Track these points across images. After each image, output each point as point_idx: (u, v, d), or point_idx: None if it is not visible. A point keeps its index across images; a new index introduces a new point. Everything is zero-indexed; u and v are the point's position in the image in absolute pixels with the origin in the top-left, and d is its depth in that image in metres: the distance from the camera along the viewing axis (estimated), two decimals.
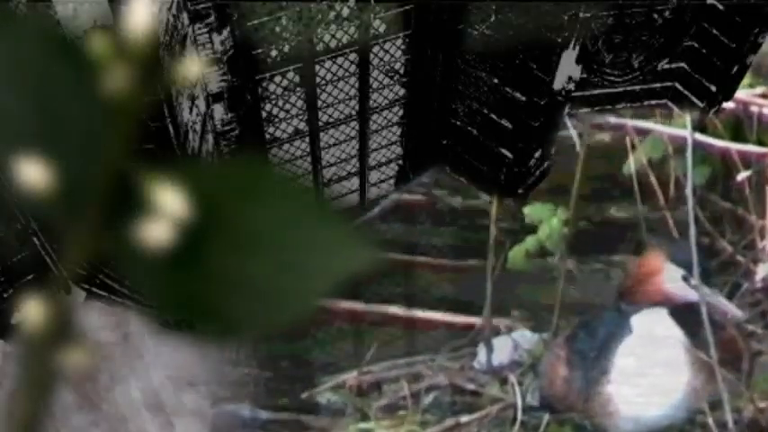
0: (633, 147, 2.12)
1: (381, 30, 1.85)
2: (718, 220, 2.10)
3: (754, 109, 2.16)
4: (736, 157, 2.13)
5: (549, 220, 2.16)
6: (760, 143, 2.15)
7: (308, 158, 2.12)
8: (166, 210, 0.32)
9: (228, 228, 0.33)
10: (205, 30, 1.59)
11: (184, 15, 1.55)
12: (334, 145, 2.15)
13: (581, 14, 1.78)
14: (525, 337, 2.04)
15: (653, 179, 2.08)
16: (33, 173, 0.31)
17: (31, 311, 0.32)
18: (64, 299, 0.32)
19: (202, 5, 1.55)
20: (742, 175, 2.11)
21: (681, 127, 2.11)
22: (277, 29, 1.69)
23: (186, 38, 1.56)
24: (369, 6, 1.75)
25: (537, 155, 2.10)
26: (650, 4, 1.89)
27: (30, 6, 1.36)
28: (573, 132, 2.07)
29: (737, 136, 2.14)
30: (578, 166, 2.07)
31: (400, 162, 2.30)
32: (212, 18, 1.58)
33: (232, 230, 0.33)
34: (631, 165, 2.11)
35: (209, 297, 0.33)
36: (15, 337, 1.66)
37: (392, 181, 2.35)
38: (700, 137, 2.10)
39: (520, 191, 2.20)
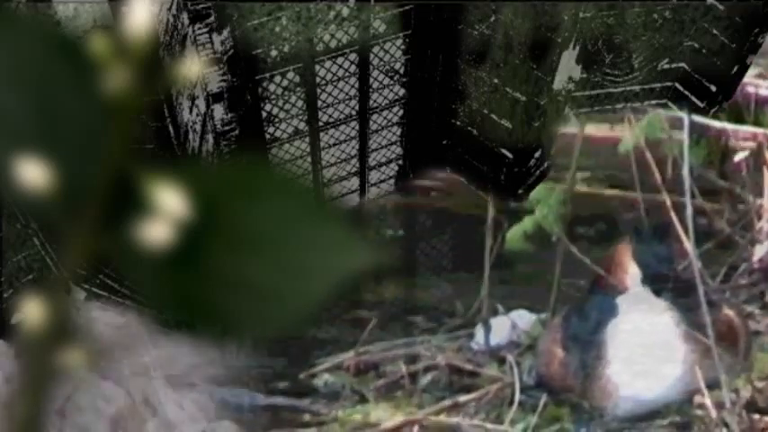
0: (630, 126, 2.10)
1: (381, 30, 1.85)
2: (715, 201, 2.08)
3: (751, 89, 2.15)
4: (734, 138, 2.12)
5: (546, 199, 2.14)
6: (757, 124, 2.14)
7: (308, 158, 2.12)
8: (166, 210, 0.32)
9: (228, 228, 0.33)
10: (205, 30, 1.59)
11: (184, 15, 1.55)
12: (334, 145, 2.15)
13: (581, 14, 1.78)
14: (523, 317, 2.01)
15: (650, 158, 2.06)
16: (33, 173, 0.31)
17: (31, 311, 0.32)
18: (64, 299, 0.32)
19: (202, 5, 1.55)
20: (739, 156, 2.10)
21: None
22: (277, 29, 1.69)
23: (186, 38, 1.56)
24: (369, 6, 1.75)
25: (537, 155, 2.10)
26: (650, 4, 1.89)
27: (30, 6, 1.36)
28: (570, 113, 2.05)
29: (735, 117, 2.13)
30: (576, 145, 2.05)
31: (400, 162, 2.30)
32: (212, 18, 1.58)
33: (232, 230, 0.33)
34: (629, 143, 2.09)
35: (209, 297, 0.33)
36: (15, 337, 1.66)
37: (392, 181, 2.35)
38: (696, 117, 2.08)
39: (520, 191, 2.20)
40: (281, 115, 1.98)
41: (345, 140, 2.15)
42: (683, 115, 2.04)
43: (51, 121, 0.32)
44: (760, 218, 2.04)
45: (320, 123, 2.05)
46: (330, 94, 1.97)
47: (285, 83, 1.89)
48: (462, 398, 1.90)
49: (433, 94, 2.05)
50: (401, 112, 2.13)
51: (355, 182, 2.28)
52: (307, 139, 2.08)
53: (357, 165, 2.24)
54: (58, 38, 0.32)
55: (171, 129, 1.56)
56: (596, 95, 2.09)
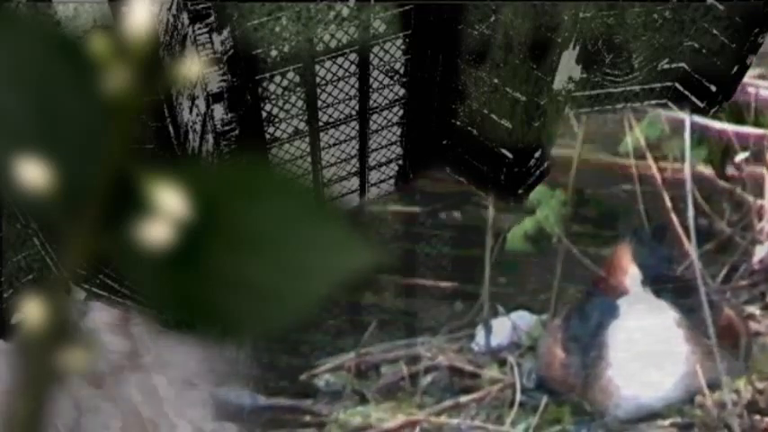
0: (631, 127, 2.11)
1: (381, 30, 1.85)
2: (716, 202, 2.09)
3: (752, 90, 2.14)
4: (734, 139, 2.12)
5: (547, 201, 2.14)
6: (757, 124, 2.14)
7: (308, 158, 2.12)
8: (166, 210, 0.32)
9: (228, 228, 0.33)
10: (205, 30, 1.59)
11: (184, 15, 1.55)
12: (334, 145, 2.15)
13: (581, 14, 1.78)
14: (524, 318, 2.01)
15: (650, 159, 2.06)
16: (33, 173, 0.31)
17: (31, 311, 0.32)
18: (64, 299, 0.32)
19: (202, 5, 1.55)
20: (739, 157, 2.10)
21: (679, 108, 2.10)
22: (277, 29, 1.69)
23: (186, 38, 1.56)
24: (369, 6, 1.75)
25: (537, 155, 2.10)
26: (650, 4, 1.89)
27: (30, 6, 1.36)
28: (571, 113, 2.05)
29: (735, 117, 2.13)
30: (576, 146, 2.05)
31: (400, 162, 2.30)
32: (212, 18, 1.58)
33: (232, 230, 0.33)
34: (629, 144, 2.09)
35: (209, 297, 0.33)
36: (15, 337, 1.66)
37: (392, 181, 2.35)
38: (697, 118, 2.09)
39: (520, 191, 2.20)
40: (281, 115, 1.98)
41: (345, 140, 2.15)
42: (684, 115, 2.04)
43: (51, 121, 0.32)
44: (760, 218, 2.04)
45: (320, 123, 2.05)
46: (330, 94, 1.97)
47: (285, 83, 1.89)
48: (463, 399, 1.90)
49: (433, 94, 2.05)
50: (401, 112, 2.13)
51: (355, 182, 2.28)
52: (307, 139, 2.08)
53: (357, 165, 2.24)
54: (58, 38, 0.32)
55: (171, 129, 1.56)
56: (596, 95, 2.09)
